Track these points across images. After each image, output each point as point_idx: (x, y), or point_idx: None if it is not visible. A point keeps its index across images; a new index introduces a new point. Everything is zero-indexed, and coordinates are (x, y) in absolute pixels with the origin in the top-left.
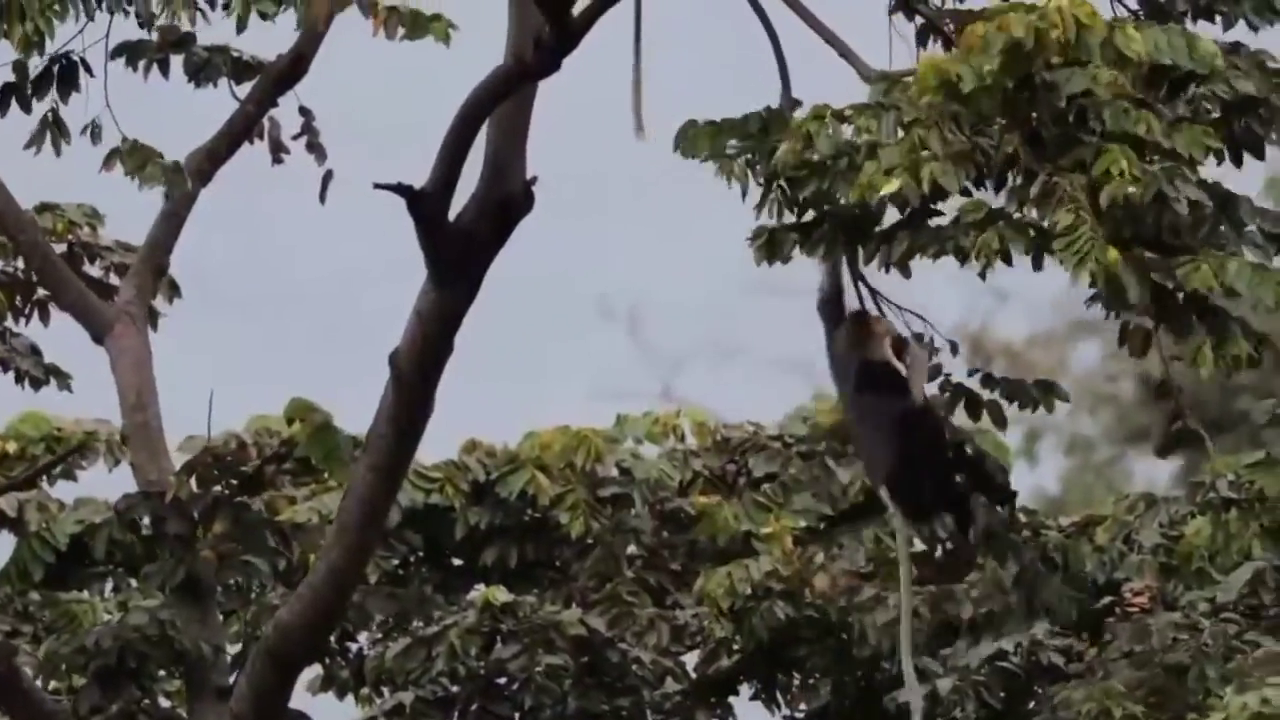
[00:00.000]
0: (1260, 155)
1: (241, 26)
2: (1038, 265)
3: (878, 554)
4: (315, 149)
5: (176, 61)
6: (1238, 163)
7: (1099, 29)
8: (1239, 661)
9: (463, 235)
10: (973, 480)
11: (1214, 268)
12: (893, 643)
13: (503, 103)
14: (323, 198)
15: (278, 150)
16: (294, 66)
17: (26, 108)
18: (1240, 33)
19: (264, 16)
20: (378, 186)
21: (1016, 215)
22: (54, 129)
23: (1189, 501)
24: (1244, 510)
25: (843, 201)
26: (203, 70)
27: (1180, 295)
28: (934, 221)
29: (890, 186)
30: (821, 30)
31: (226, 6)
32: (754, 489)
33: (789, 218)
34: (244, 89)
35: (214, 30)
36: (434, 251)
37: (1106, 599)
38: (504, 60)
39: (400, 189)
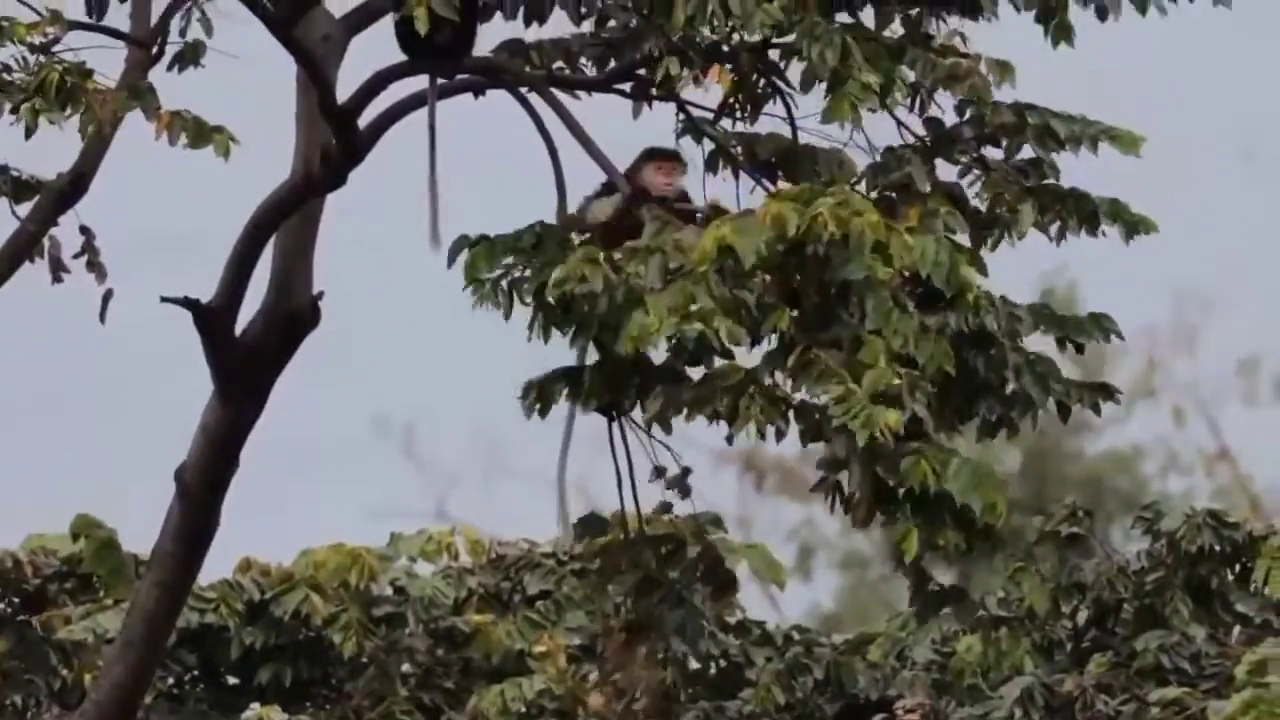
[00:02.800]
0: (969, 396)
1: (30, 133)
2: (780, 437)
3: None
4: (96, 268)
5: None
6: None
7: (871, 235)
8: None
9: (249, 349)
10: None
11: (933, 464)
12: None
13: (290, 216)
14: (102, 317)
15: (58, 269)
16: (74, 185)
17: None
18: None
19: (52, 122)
20: (164, 300)
21: (769, 382)
22: None
23: (960, 619)
24: (1014, 627)
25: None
26: None
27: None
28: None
29: (665, 330)
30: (605, 165)
31: (15, 111)
32: (528, 606)
33: (557, 337)
34: (24, 208)
35: None
36: (220, 365)
37: (879, 716)
38: (291, 174)
39: (186, 303)
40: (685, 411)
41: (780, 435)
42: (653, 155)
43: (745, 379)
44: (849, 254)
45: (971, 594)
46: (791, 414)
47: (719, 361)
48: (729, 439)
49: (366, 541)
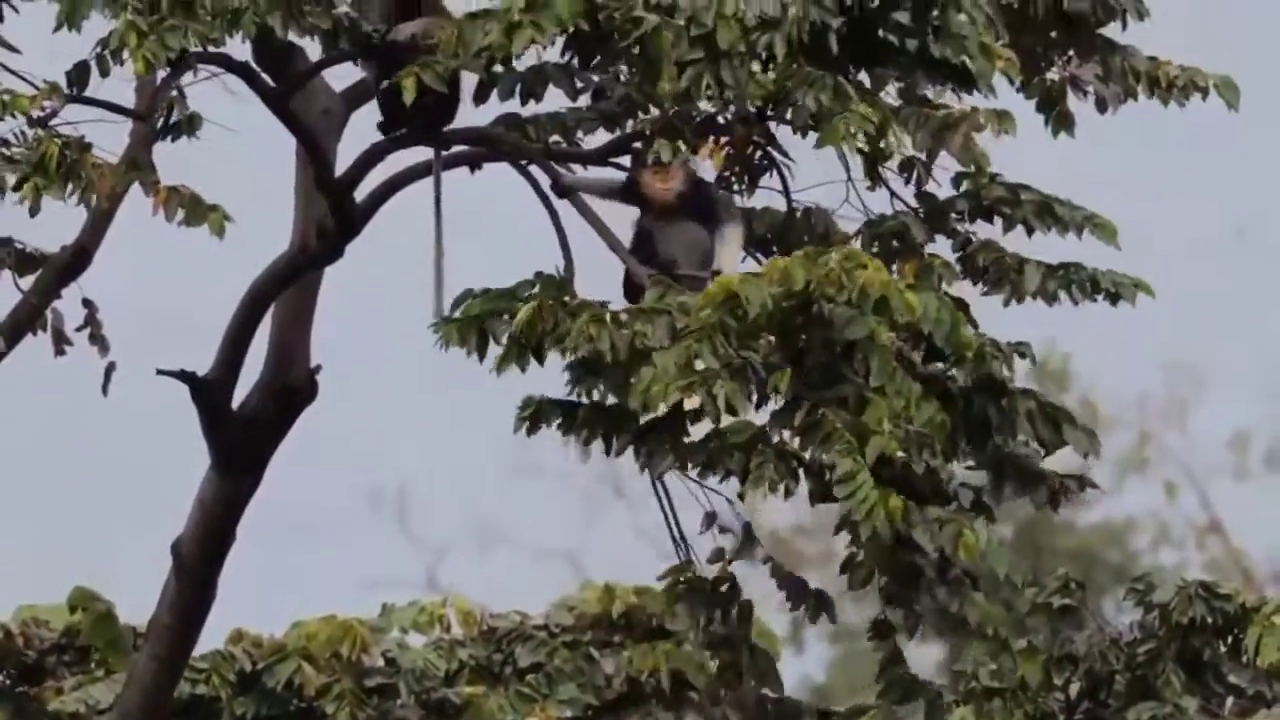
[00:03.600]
0: (983, 445)
1: (34, 212)
2: (789, 494)
3: None
4: (98, 341)
5: None
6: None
7: (876, 290)
8: None
9: (246, 422)
10: None
11: (971, 539)
12: None
13: (287, 289)
14: (105, 389)
15: (60, 342)
16: (77, 258)
17: None
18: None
19: (55, 199)
20: (160, 373)
21: (777, 440)
22: None
23: (952, 690)
24: (1007, 699)
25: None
26: None
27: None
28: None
29: (675, 398)
30: (601, 230)
31: (17, 189)
32: (519, 679)
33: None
34: (27, 280)
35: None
36: (217, 439)
37: None
38: (289, 247)
39: (183, 375)
40: (697, 467)
41: (789, 493)
42: (649, 160)
43: (755, 436)
44: (852, 314)
45: (964, 666)
46: (801, 472)
47: (725, 419)
48: (741, 495)
49: (358, 612)
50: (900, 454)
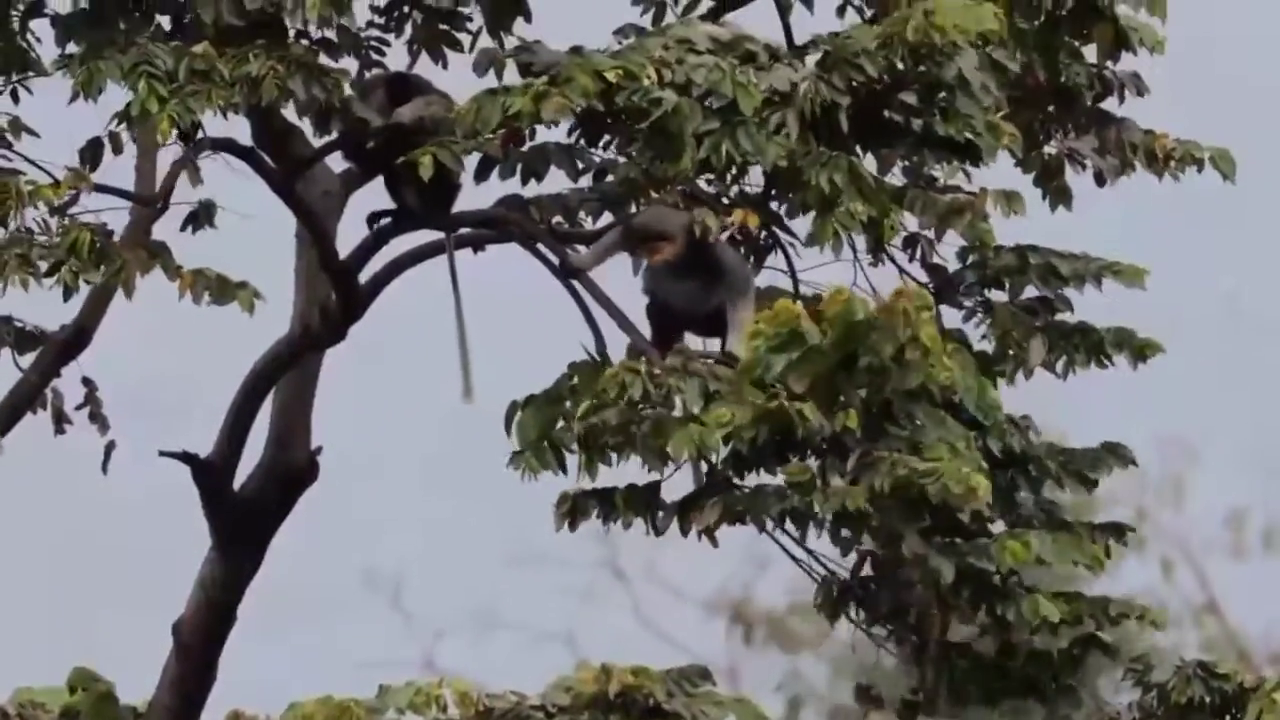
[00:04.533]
0: (1012, 509)
1: (69, 294)
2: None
3: None
4: (98, 420)
5: None
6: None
7: (927, 344)
8: None
9: (247, 504)
10: None
11: (1019, 545)
12: None
13: (288, 371)
14: (105, 468)
15: (60, 421)
16: (77, 337)
17: None
18: None
19: (88, 283)
20: (162, 454)
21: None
22: None
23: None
24: None
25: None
26: None
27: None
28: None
29: (739, 421)
30: (612, 310)
31: (50, 274)
32: None
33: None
34: (26, 359)
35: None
36: (218, 521)
37: None
38: (290, 328)
39: (184, 457)
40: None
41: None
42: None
43: (811, 479)
44: (908, 365)
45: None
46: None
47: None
48: (803, 534)
49: (355, 693)
50: (965, 470)
